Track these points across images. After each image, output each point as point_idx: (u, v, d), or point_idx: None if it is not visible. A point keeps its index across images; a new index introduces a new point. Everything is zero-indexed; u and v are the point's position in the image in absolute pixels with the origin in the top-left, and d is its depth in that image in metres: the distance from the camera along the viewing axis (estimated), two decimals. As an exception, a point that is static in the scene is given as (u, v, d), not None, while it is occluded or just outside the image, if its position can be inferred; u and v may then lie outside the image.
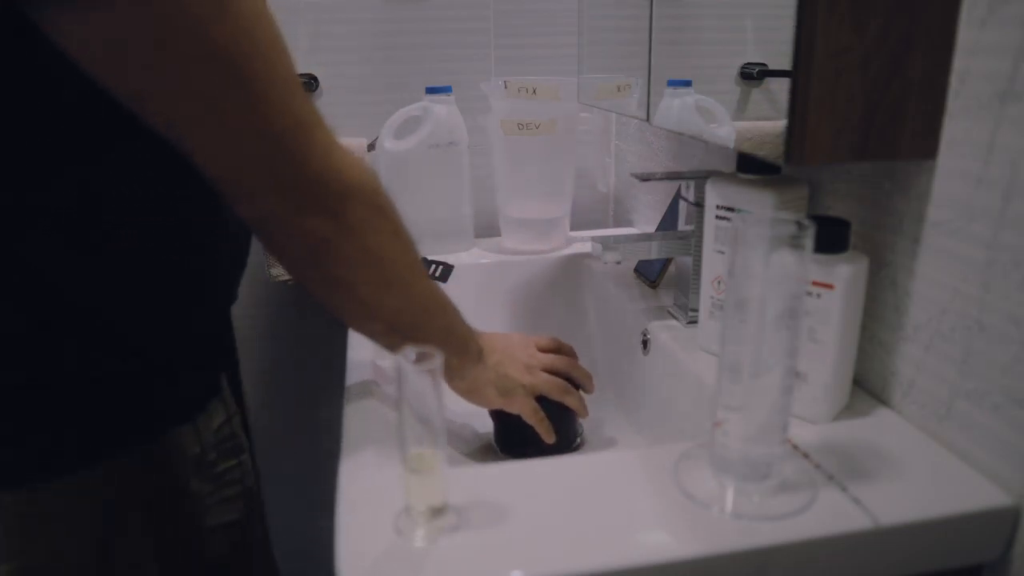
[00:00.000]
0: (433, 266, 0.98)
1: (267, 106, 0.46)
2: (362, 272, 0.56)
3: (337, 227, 0.52)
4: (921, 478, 0.49)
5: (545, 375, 0.71)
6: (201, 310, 0.62)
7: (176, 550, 0.61)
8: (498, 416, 0.76)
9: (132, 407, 0.57)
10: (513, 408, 0.69)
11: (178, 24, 0.41)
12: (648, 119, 0.76)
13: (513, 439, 0.77)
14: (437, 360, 0.42)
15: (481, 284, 1.01)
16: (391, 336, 0.61)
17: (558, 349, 0.75)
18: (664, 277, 0.89)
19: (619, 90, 0.85)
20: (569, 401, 0.71)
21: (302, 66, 1.11)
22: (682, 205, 0.80)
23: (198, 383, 0.64)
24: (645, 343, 0.80)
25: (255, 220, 0.53)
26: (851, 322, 0.56)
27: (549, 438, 0.70)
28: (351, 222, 0.53)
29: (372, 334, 0.63)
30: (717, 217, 0.65)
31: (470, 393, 0.68)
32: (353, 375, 0.71)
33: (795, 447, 0.53)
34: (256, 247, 1.06)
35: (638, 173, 0.80)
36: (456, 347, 0.64)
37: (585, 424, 0.80)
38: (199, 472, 0.62)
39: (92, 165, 0.49)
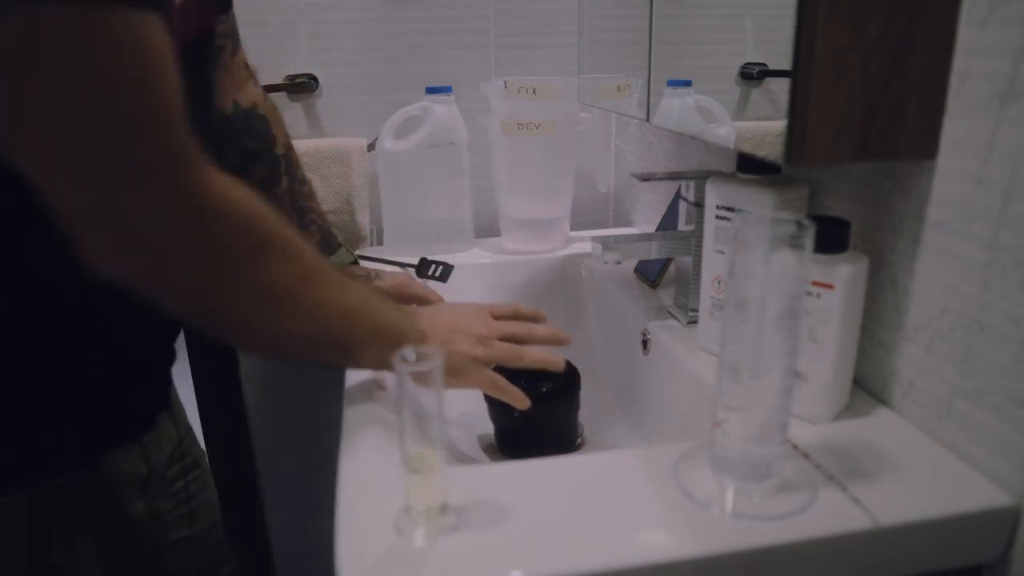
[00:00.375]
0: (433, 266, 0.98)
1: (126, 138, 0.40)
2: (259, 311, 0.50)
3: (220, 268, 0.47)
4: (921, 478, 0.49)
5: (500, 344, 0.66)
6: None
7: (128, 571, 0.60)
8: (498, 417, 0.76)
9: (76, 423, 0.55)
10: (468, 385, 0.66)
11: (36, 43, 0.37)
12: (648, 119, 0.76)
13: (513, 440, 0.77)
14: (437, 360, 0.42)
15: (481, 284, 1.01)
16: (317, 352, 0.57)
17: (515, 315, 0.72)
18: (664, 277, 0.89)
19: (619, 90, 0.85)
20: (529, 363, 0.67)
21: (302, 66, 1.11)
22: (682, 205, 0.80)
23: (148, 395, 0.63)
24: (645, 343, 0.80)
25: (126, 273, 0.45)
26: (851, 322, 0.56)
27: (521, 403, 0.67)
28: (235, 260, 0.47)
29: (297, 356, 0.59)
30: (717, 217, 0.65)
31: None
32: (353, 375, 0.71)
33: (795, 447, 0.53)
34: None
35: (638, 173, 0.80)
36: (391, 341, 0.58)
37: (585, 424, 0.80)
38: (147, 492, 0.61)
39: None
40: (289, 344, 0.55)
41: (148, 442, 0.61)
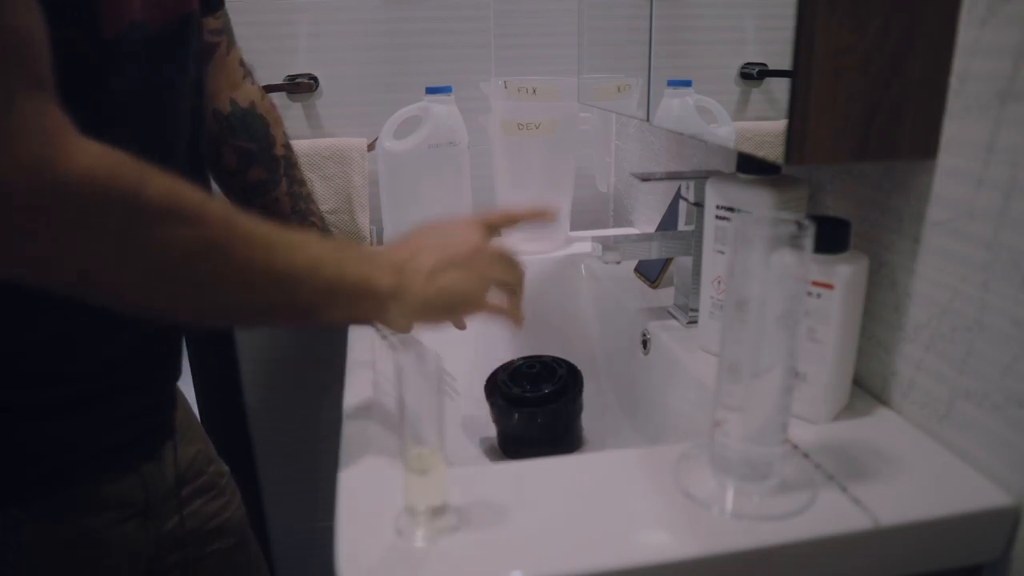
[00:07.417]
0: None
1: None
2: (157, 287, 0.44)
3: (85, 242, 0.41)
4: (921, 478, 0.49)
5: (498, 267, 0.59)
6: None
7: None
8: (500, 419, 0.76)
9: (67, 447, 0.55)
10: (468, 316, 0.60)
11: None
12: (648, 119, 0.76)
13: (516, 442, 0.77)
14: (438, 360, 0.42)
15: (481, 284, 1.01)
16: (266, 318, 0.52)
17: (510, 220, 0.63)
18: (664, 277, 0.89)
19: (619, 90, 0.85)
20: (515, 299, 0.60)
21: (302, 66, 1.11)
22: (682, 205, 0.80)
23: (145, 423, 0.62)
24: (645, 343, 0.80)
25: None
26: (851, 322, 0.56)
27: (518, 320, 0.61)
28: (99, 235, 0.41)
29: (247, 324, 0.56)
30: (717, 217, 0.65)
31: (415, 321, 0.56)
32: (353, 375, 0.71)
33: (795, 447, 0.53)
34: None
35: (638, 173, 0.80)
36: (355, 295, 0.53)
37: (585, 424, 0.80)
38: (148, 515, 0.61)
39: None
40: (222, 313, 0.50)
41: (146, 472, 0.61)
